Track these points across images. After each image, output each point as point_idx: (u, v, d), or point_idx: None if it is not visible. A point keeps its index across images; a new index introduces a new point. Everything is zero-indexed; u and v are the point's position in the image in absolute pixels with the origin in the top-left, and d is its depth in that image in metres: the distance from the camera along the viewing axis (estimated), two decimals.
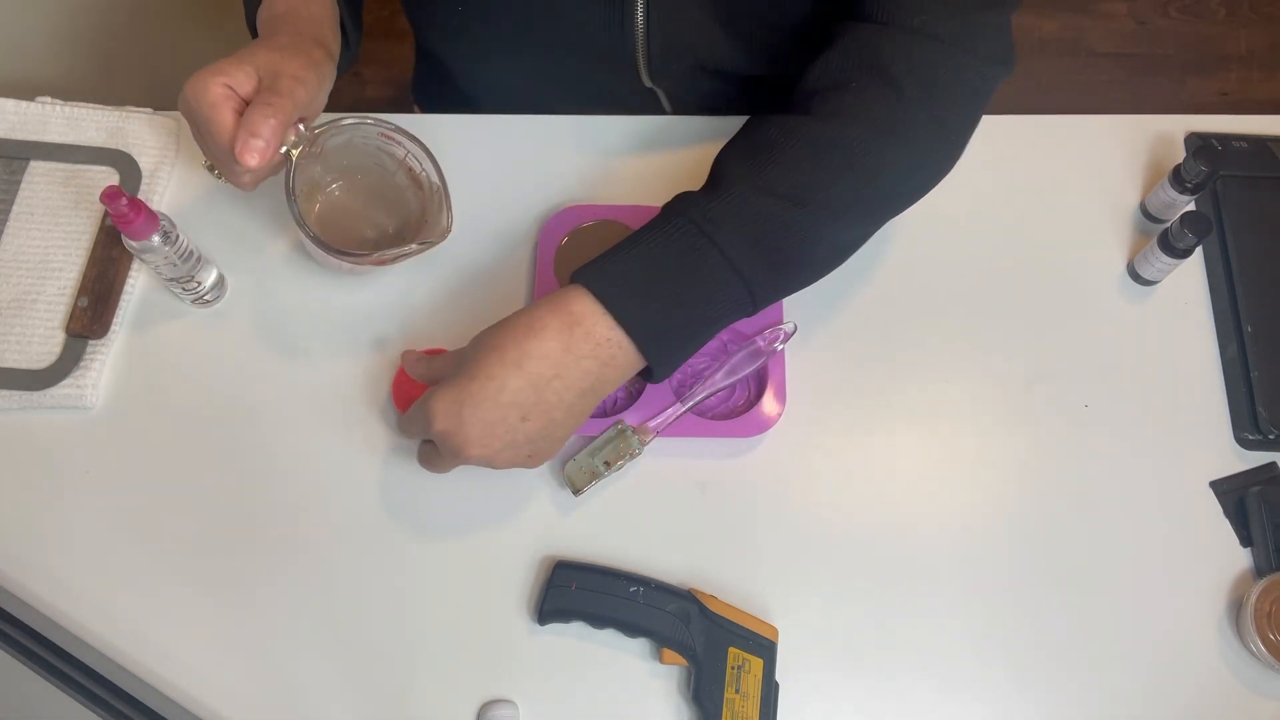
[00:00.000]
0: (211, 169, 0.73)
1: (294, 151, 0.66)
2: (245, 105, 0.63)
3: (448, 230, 0.69)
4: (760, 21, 0.76)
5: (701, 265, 0.60)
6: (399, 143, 0.70)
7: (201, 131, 0.64)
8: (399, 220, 0.74)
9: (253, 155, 0.61)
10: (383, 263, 0.69)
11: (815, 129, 0.62)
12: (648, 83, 0.82)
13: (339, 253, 0.67)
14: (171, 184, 0.82)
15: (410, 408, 0.64)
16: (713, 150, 0.86)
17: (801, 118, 0.63)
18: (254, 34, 0.72)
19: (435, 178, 0.70)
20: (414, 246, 0.68)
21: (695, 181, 0.81)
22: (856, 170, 0.61)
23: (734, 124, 0.83)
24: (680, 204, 0.62)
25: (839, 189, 0.61)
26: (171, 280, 0.73)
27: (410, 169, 0.72)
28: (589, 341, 0.60)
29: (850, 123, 0.61)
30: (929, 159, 0.65)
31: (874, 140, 0.61)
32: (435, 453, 0.65)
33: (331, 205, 0.74)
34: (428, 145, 0.69)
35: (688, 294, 0.60)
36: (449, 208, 0.69)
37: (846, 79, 0.63)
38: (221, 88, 0.62)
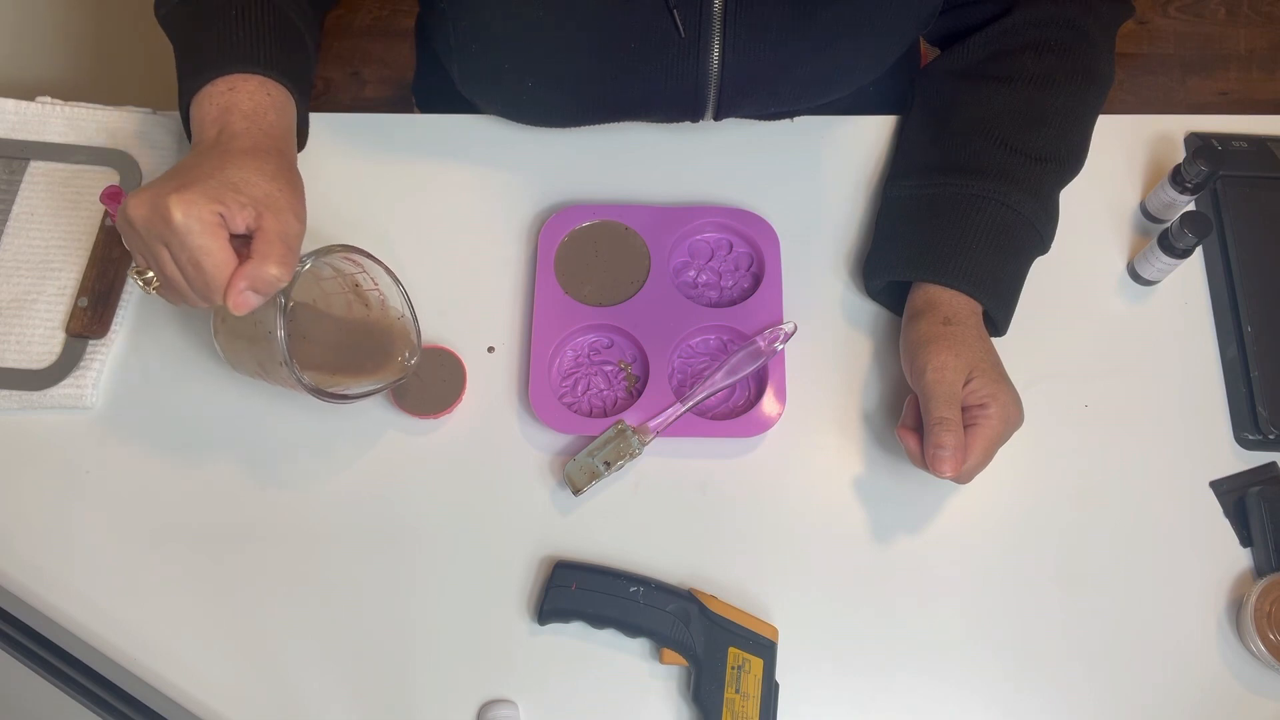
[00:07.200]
0: (145, 279, 0.61)
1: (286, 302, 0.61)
2: (232, 238, 0.58)
3: (414, 355, 0.70)
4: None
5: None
6: (359, 265, 0.67)
7: (177, 251, 0.57)
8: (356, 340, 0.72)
9: (245, 309, 0.57)
10: (365, 395, 0.67)
11: (1040, 97, 0.74)
12: (710, 119, 0.81)
13: (338, 397, 0.65)
14: None
15: None
16: (711, 149, 0.86)
17: (1025, 90, 0.74)
18: (185, 96, 0.65)
19: (395, 300, 0.69)
20: (389, 379, 0.69)
21: (696, 181, 0.82)
22: (1088, 121, 0.77)
23: (735, 126, 0.84)
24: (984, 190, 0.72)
25: (1081, 139, 0.77)
26: None
27: (359, 287, 0.69)
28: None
29: (1068, 84, 0.75)
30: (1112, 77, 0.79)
31: (1088, 91, 0.76)
32: None
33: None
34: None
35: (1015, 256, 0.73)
36: (417, 334, 0.70)
37: (1043, 38, 0.75)
38: (216, 215, 0.56)
